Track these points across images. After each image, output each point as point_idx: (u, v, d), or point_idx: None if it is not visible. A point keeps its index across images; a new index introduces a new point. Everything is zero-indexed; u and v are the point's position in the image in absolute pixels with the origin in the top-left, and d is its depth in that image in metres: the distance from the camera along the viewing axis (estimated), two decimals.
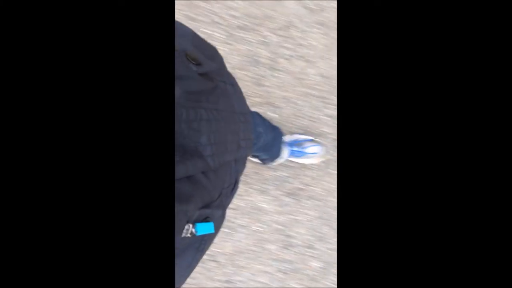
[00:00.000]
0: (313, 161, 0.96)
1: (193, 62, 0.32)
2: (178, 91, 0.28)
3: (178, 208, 0.26)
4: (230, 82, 0.40)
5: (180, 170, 0.27)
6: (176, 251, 0.28)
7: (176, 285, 0.30)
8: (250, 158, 0.90)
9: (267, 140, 0.78)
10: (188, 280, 0.34)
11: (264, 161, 0.91)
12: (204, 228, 0.28)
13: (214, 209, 0.32)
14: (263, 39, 0.99)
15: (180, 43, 0.30)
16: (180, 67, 0.29)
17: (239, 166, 0.42)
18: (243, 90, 0.46)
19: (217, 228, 0.36)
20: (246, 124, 0.44)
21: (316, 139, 0.96)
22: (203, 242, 0.32)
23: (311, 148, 0.93)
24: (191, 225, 0.28)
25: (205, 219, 0.30)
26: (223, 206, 0.36)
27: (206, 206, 0.31)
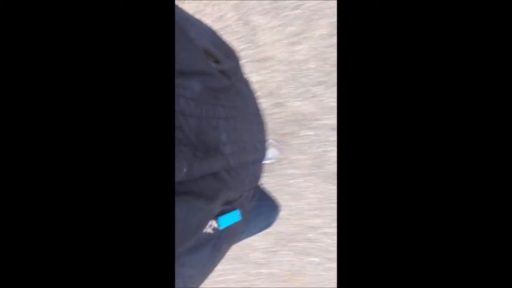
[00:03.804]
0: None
1: (212, 60, 0.32)
2: (199, 87, 0.28)
3: (204, 205, 0.25)
4: (244, 82, 0.40)
5: (205, 167, 0.26)
6: (191, 247, 0.26)
7: (192, 285, 0.28)
8: None
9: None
10: None
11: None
12: (228, 219, 0.27)
13: (235, 207, 0.31)
14: None
15: (200, 41, 0.30)
16: (201, 63, 0.29)
17: (256, 169, 0.41)
18: None
19: (235, 232, 0.34)
20: (260, 125, 0.43)
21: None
22: (220, 240, 0.31)
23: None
24: (213, 221, 0.27)
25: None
26: (244, 207, 0.35)
27: (228, 203, 0.30)
